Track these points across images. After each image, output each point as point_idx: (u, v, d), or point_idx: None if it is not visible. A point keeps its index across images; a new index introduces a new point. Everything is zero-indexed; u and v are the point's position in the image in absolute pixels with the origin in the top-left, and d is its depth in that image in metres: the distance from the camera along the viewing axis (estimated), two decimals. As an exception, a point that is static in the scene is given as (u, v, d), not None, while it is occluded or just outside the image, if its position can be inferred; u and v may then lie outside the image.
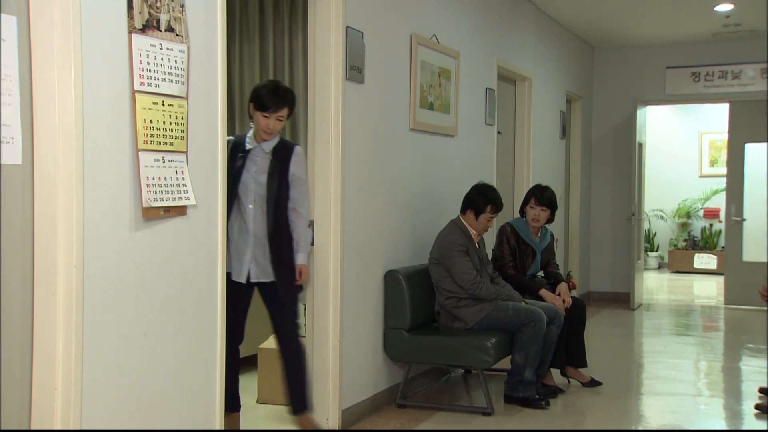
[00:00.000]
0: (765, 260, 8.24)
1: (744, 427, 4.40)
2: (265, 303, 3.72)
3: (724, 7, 6.97)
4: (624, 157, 8.69)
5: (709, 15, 7.24)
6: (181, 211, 2.91)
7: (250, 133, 3.69)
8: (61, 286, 2.45)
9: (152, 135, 2.75)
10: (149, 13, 2.74)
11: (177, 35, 2.86)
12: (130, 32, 2.67)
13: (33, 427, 2.45)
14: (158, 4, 2.78)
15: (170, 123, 2.84)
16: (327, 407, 3.91)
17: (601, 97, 8.95)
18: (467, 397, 4.83)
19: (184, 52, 2.89)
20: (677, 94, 8.68)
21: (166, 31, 2.81)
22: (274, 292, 3.66)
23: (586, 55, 8.70)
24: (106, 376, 2.60)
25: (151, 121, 2.75)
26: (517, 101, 6.64)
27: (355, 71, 4.03)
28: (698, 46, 8.47)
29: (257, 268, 3.64)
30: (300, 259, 3.67)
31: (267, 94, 3.54)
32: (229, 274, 3.42)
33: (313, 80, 3.96)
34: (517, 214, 5.44)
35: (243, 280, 3.64)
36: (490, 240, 5.16)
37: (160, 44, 2.79)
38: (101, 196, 2.57)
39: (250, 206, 3.60)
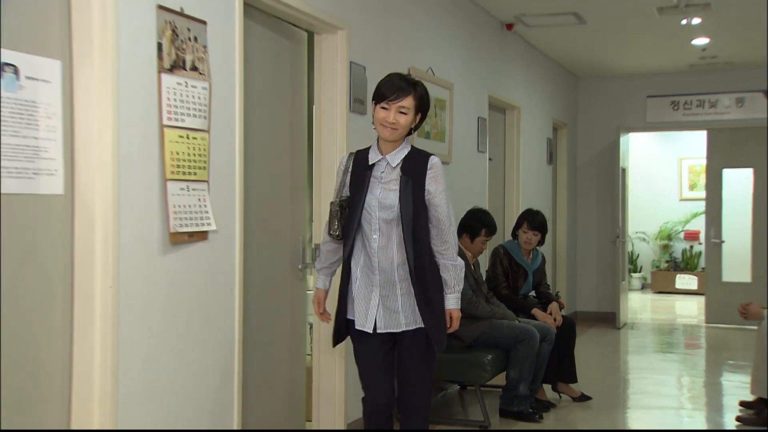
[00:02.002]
0: (743, 280, 8.57)
1: None
2: (397, 357, 3.09)
3: (701, 41, 7.32)
4: (608, 182, 9.00)
5: (687, 48, 7.59)
6: (203, 236, 3.13)
7: (374, 145, 3.09)
8: (98, 305, 2.66)
9: (178, 166, 2.98)
10: (176, 54, 2.98)
11: (200, 74, 3.11)
12: (159, 72, 2.90)
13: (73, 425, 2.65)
14: (184, 46, 3.02)
15: (194, 154, 3.07)
16: (334, 421, 4.11)
17: (585, 124, 9.28)
18: (463, 412, 5.04)
19: (206, 89, 3.13)
20: (658, 121, 9.03)
21: (190, 70, 3.05)
22: (407, 342, 3.03)
23: (571, 85, 9.03)
24: (138, 387, 2.81)
25: (177, 153, 2.98)
26: (507, 129, 6.92)
27: (358, 103, 4.28)
28: (677, 77, 8.83)
29: (386, 314, 3.00)
30: (450, 302, 3.04)
31: (386, 83, 3.01)
32: (351, 322, 3.07)
33: (319, 111, 4.20)
34: (508, 237, 5.70)
35: (369, 329, 3.00)
36: (483, 262, 5.40)
37: (186, 82, 3.02)
38: (133, 222, 2.79)
39: (375, 236, 2.97)
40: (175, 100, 2.97)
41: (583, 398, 5.17)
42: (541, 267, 5.32)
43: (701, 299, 9.82)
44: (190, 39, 3.05)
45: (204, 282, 3.15)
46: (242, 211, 3.36)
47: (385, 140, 3.02)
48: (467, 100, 5.83)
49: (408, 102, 2.96)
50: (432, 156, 3.03)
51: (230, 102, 3.29)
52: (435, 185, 2.99)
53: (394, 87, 2.97)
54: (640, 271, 12.69)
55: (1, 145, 2.41)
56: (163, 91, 2.92)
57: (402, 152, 3.02)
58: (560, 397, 5.20)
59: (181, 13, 2.99)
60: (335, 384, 4.15)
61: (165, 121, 2.92)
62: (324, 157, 4.18)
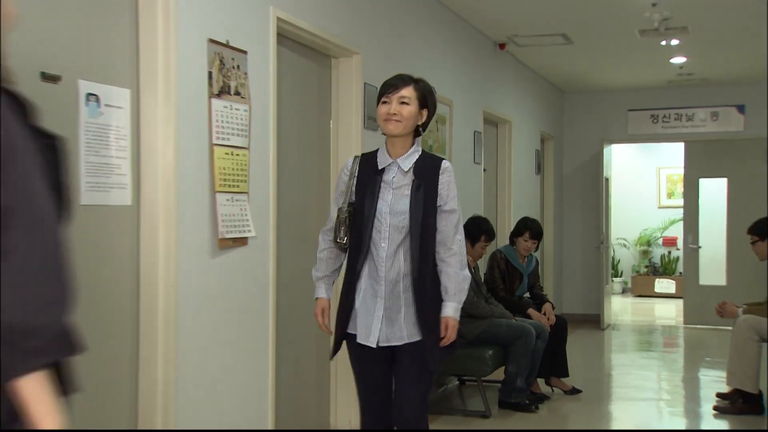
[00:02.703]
0: (719, 283, 9.07)
1: (704, 427, 5.09)
2: (393, 371, 2.90)
3: (679, 60, 7.82)
4: (592, 191, 9.48)
5: (666, 65, 8.09)
6: (244, 241, 3.53)
7: (383, 148, 2.92)
8: (161, 302, 3.05)
9: (225, 179, 3.38)
10: (223, 81, 3.38)
11: (242, 97, 3.51)
12: (209, 97, 3.30)
13: (139, 416, 3.03)
14: (229, 73, 3.42)
15: (237, 169, 3.47)
16: (350, 411, 4.50)
17: (571, 136, 9.76)
18: (463, 404, 5.46)
19: (246, 111, 3.53)
20: (638, 134, 9.53)
21: (234, 94, 3.45)
22: (406, 357, 2.84)
23: (557, 99, 9.52)
24: (192, 374, 3.20)
25: (224, 168, 3.38)
26: (499, 142, 7.37)
27: (371, 121, 4.69)
28: (656, 92, 9.34)
29: (389, 327, 2.81)
30: (448, 309, 2.82)
31: (387, 80, 2.91)
32: (351, 336, 2.89)
33: (336, 128, 4.61)
34: (500, 242, 6.14)
35: (373, 344, 2.81)
36: (482, 265, 5.83)
37: (231, 105, 3.42)
38: (190, 229, 3.18)
39: (383, 244, 2.78)
40: (222, 121, 3.37)
41: (574, 391, 5.60)
42: (535, 270, 5.75)
43: (679, 302, 10.31)
44: (233, 67, 3.45)
45: (244, 283, 3.54)
46: (275, 219, 3.76)
47: (391, 136, 2.85)
48: (465, 116, 6.27)
49: (408, 92, 2.82)
50: (444, 160, 2.90)
51: (265, 121, 3.69)
52: (447, 191, 2.83)
53: (393, 80, 2.87)
54: (621, 276, 13.18)
55: (85, 164, 2.80)
56: (213, 114, 3.31)
57: (413, 156, 2.85)
58: (552, 390, 5.63)
59: (227, 45, 3.39)
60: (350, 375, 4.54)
61: (214, 140, 3.32)
62: (333, 171, 4.59)
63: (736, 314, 5.38)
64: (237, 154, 3.46)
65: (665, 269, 12.85)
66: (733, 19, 6.35)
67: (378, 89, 4.65)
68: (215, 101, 3.32)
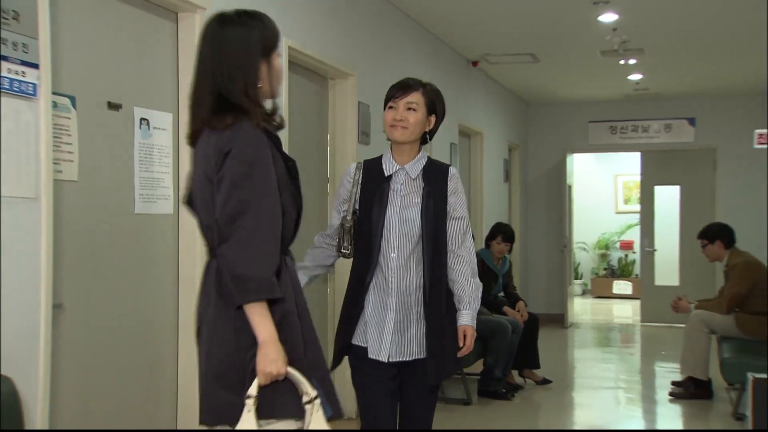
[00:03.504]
0: (673, 284, 9.75)
1: (660, 410, 5.68)
2: (401, 387, 2.75)
3: (635, 77, 8.47)
4: (555, 197, 10.09)
5: (623, 81, 8.74)
6: (262, 245, 3.98)
7: (387, 154, 2.78)
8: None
9: (249, 191, 3.83)
10: (247, 104, 3.84)
11: (261, 118, 3.96)
12: (236, 118, 3.76)
13: (179, 389, 3.47)
14: (251, 97, 3.88)
15: (257, 181, 3.92)
16: (348, 401, 4.97)
17: (536, 146, 10.37)
18: (443, 394, 5.97)
19: (265, 130, 3.99)
20: (598, 143, 10.19)
21: (255, 115, 3.91)
22: (415, 376, 2.71)
23: (523, 111, 10.12)
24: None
25: (248, 181, 3.83)
26: (472, 152, 7.92)
27: (364, 135, 5.18)
28: (615, 105, 10.00)
29: (399, 341, 2.68)
30: (465, 318, 2.70)
31: (394, 84, 2.78)
32: (355, 348, 2.73)
33: (333, 143, 5.09)
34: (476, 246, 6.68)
35: (384, 358, 2.66)
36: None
37: (253, 126, 3.88)
38: (221, 235, 3.63)
39: (393, 254, 2.66)
40: (246, 140, 3.82)
41: (545, 382, 6.15)
42: (509, 272, 6.29)
43: (636, 303, 10.98)
44: (255, 92, 3.90)
45: (263, 282, 3.99)
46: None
47: (397, 143, 2.73)
48: (442, 128, 6.72)
49: (416, 97, 2.70)
50: (451, 166, 2.81)
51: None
52: (456, 198, 2.74)
53: (399, 86, 2.75)
54: (581, 278, 13.83)
55: (138, 179, 3.24)
56: (239, 133, 3.77)
57: (420, 162, 2.75)
58: (525, 381, 6.16)
59: (249, 72, 3.85)
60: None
61: (240, 157, 3.77)
62: (337, 182, 5.06)
63: (689, 310, 5.98)
64: (257, 168, 3.92)
65: (622, 271, 13.54)
66: (684, 42, 6.99)
67: (369, 108, 5.20)
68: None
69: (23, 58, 2.47)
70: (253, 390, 2.02)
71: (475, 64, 7.64)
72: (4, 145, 2.42)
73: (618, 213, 13.79)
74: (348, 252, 2.74)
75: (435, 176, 2.74)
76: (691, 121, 9.75)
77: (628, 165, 12.90)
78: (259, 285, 1.98)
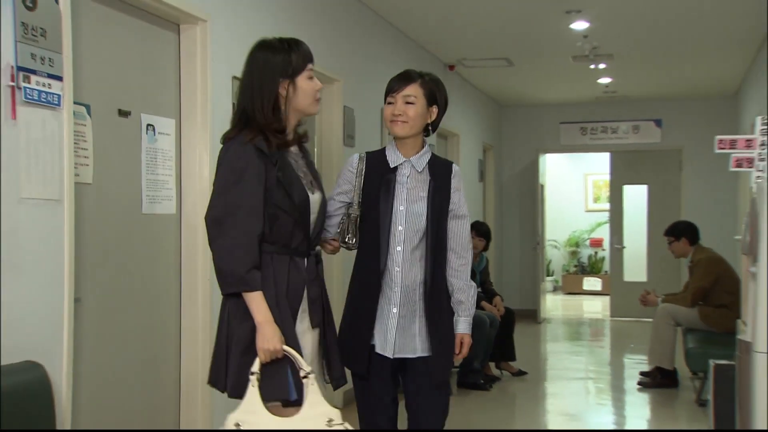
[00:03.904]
0: (641, 280, 10.12)
1: (628, 398, 6.00)
2: (404, 386, 2.74)
3: (605, 80, 8.82)
4: (528, 196, 10.41)
5: (594, 85, 9.08)
6: (257, 243, 4.20)
7: (392, 146, 2.74)
8: (200, 293, 3.71)
9: (245, 192, 4.06)
10: (243, 109, 4.06)
11: (256, 123, 4.19)
12: (234, 124, 3.98)
13: (182, 374, 3.68)
14: (247, 103, 4.10)
15: (253, 183, 4.15)
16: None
17: (509, 146, 10.68)
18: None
19: (259, 134, 4.22)
20: (569, 144, 10.53)
21: (250, 120, 4.13)
22: (419, 372, 2.67)
23: (497, 113, 10.42)
24: (223, 354, 3.86)
25: (244, 183, 4.05)
26: (449, 153, 8.18)
27: (349, 138, 5.42)
28: (585, 107, 10.34)
29: (402, 337, 2.64)
30: (464, 326, 2.72)
31: (392, 78, 2.75)
32: (357, 349, 2.68)
33: (320, 145, 5.32)
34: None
35: (390, 354, 2.64)
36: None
37: (248, 130, 4.11)
38: (220, 233, 3.85)
39: (399, 248, 2.63)
40: (242, 143, 4.04)
41: (520, 373, 6.44)
42: (485, 268, 6.57)
43: (605, 298, 11.35)
44: (250, 98, 4.13)
45: (257, 278, 4.21)
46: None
47: (398, 138, 2.69)
48: (421, 131, 7.05)
49: (413, 89, 2.66)
50: (454, 164, 2.78)
51: (272, 143, 4.37)
52: (459, 195, 2.71)
53: (397, 79, 2.72)
54: (552, 275, 14.20)
55: (145, 181, 3.45)
56: (236, 137, 3.99)
57: (425, 156, 2.71)
58: (502, 372, 6.45)
59: (245, 80, 4.07)
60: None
61: (237, 160, 4.00)
62: (326, 182, 5.29)
63: (656, 303, 6.30)
64: (252, 171, 4.15)
65: (592, 268, 13.93)
66: (651, 48, 7.33)
67: (353, 111, 5.44)
68: (238, 127, 4.00)
69: (49, 71, 2.67)
70: (255, 367, 2.32)
71: (451, 68, 7.91)
72: (33, 152, 2.63)
73: (588, 211, 14.17)
74: (353, 243, 2.68)
75: (440, 172, 2.71)
76: (658, 123, 10.13)
77: (597, 165, 13.27)
78: (234, 279, 2.33)
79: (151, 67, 3.53)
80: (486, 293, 6.51)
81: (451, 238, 2.70)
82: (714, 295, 6.00)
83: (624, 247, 10.49)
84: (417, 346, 2.65)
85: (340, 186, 2.79)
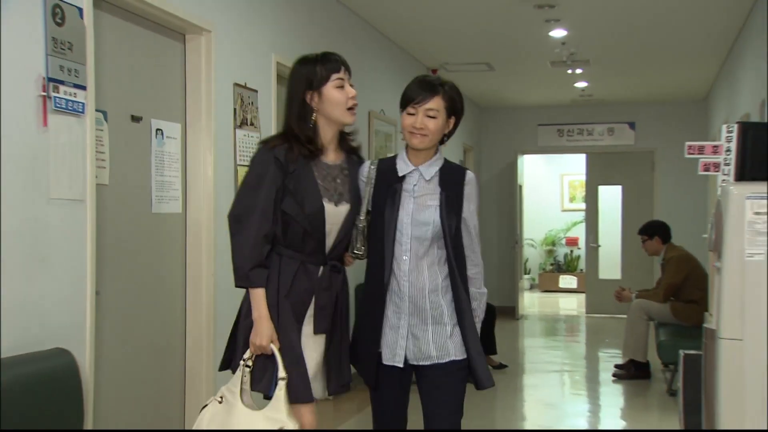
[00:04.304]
0: (615, 277, 10.46)
1: (603, 389, 6.30)
2: (422, 394, 2.70)
3: (581, 84, 9.14)
4: (507, 196, 10.71)
5: (570, 88, 9.40)
6: (255, 241, 4.43)
7: (402, 154, 2.72)
8: (204, 286, 3.94)
9: (245, 192, 4.28)
10: (243, 115, 4.29)
11: (254, 127, 4.42)
12: (235, 128, 4.21)
13: (187, 363, 3.90)
14: (246, 108, 4.34)
15: (252, 184, 4.37)
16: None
17: (488, 147, 10.98)
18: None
19: (258, 137, 4.44)
20: (547, 145, 10.85)
21: (249, 125, 4.36)
22: (439, 377, 2.64)
23: (477, 115, 10.71)
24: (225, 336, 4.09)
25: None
26: (431, 154, 8.45)
27: (339, 141, 5.66)
28: (562, 109, 10.67)
29: (415, 345, 2.64)
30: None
31: (411, 85, 2.70)
32: (373, 354, 2.67)
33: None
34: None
35: (400, 363, 2.63)
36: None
37: (248, 134, 4.33)
38: (223, 231, 4.06)
39: (405, 257, 2.62)
40: (243, 146, 4.27)
41: (501, 366, 6.73)
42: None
43: (581, 296, 11.69)
44: (249, 103, 4.36)
45: (256, 274, 4.44)
46: (276, 224, 4.68)
47: (415, 149, 2.66)
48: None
49: (436, 103, 2.62)
50: (468, 170, 2.75)
51: (268, 145, 4.61)
52: (469, 203, 2.68)
53: (419, 89, 2.66)
54: (529, 273, 14.51)
55: (154, 182, 3.67)
56: (237, 141, 4.22)
57: (436, 164, 2.68)
58: (483, 365, 6.73)
59: (245, 86, 4.30)
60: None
61: (238, 162, 4.23)
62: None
63: (630, 299, 6.61)
64: (251, 172, 4.38)
65: (568, 266, 14.26)
66: (625, 54, 7.65)
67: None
68: (238, 131, 4.23)
69: (75, 81, 2.89)
70: (247, 355, 2.58)
71: (434, 71, 8.17)
72: (61, 156, 2.84)
73: (564, 211, 14.49)
74: (361, 253, 2.68)
75: (451, 179, 2.67)
76: (632, 126, 10.47)
77: (573, 165, 13.60)
78: (241, 274, 2.56)
79: (160, 74, 3.75)
80: (468, 289, 6.79)
81: (465, 246, 2.68)
82: (685, 291, 6.31)
83: (599, 246, 10.83)
84: (433, 354, 2.62)
85: None
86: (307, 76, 2.62)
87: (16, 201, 2.66)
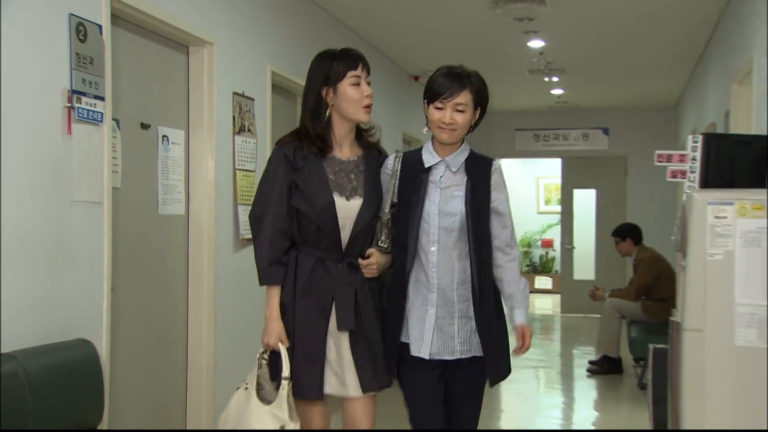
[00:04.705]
0: (589, 278, 10.81)
1: (577, 383, 6.62)
2: (445, 388, 2.70)
3: (557, 91, 9.49)
4: (484, 199, 11.00)
5: (547, 95, 9.74)
6: (251, 241, 4.66)
7: (428, 146, 2.72)
8: (205, 283, 4.17)
9: (243, 195, 4.53)
10: (241, 122, 4.54)
11: (251, 133, 4.67)
12: (234, 135, 4.45)
13: (189, 355, 4.14)
14: (244, 116, 4.58)
15: (249, 187, 4.62)
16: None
17: (466, 151, 11.25)
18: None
19: (254, 143, 4.69)
20: (523, 150, 11.19)
21: (247, 131, 4.61)
22: (462, 373, 2.67)
23: (455, 119, 11.00)
24: (225, 332, 4.33)
25: (242, 187, 4.53)
26: (413, 158, 8.72)
27: (328, 146, 5.91)
28: (538, 115, 11.01)
29: (440, 339, 2.62)
30: (520, 317, 2.70)
31: (438, 78, 2.69)
32: (403, 345, 2.67)
33: (302, 152, 5.80)
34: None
35: (426, 355, 2.62)
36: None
37: (246, 140, 4.58)
38: (223, 231, 4.32)
39: (433, 248, 2.60)
40: (241, 152, 4.52)
41: (480, 361, 7.01)
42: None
43: (556, 296, 12.03)
44: (247, 111, 4.61)
45: (251, 270, 4.67)
46: (271, 225, 4.93)
47: (443, 143, 2.66)
48: (389, 137, 7.59)
49: (464, 97, 2.61)
50: (494, 160, 2.73)
51: (263, 149, 4.85)
52: (498, 192, 2.66)
53: (447, 83, 2.63)
54: (505, 274, 14.81)
55: (161, 186, 3.91)
56: (236, 147, 4.46)
57: (462, 155, 2.67)
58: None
59: (242, 95, 4.54)
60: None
61: (237, 166, 4.47)
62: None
63: (603, 298, 6.94)
64: (249, 176, 4.62)
65: (544, 268, 14.61)
66: (599, 63, 8.00)
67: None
68: (237, 137, 4.47)
69: (95, 92, 3.12)
70: (259, 350, 2.71)
71: (416, 78, 8.46)
72: (82, 162, 3.08)
73: (540, 213, 14.82)
74: (386, 246, 2.65)
75: (478, 169, 2.65)
76: (605, 131, 10.84)
77: (548, 169, 13.95)
78: (259, 273, 2.67)
79: (166, 84, 3.98)
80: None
81: (496, 236, 2.67)
82: (655, 290, 6.64)
83: (574, 248, 11.17)
84: (457, 348, 2.61)
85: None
86: (324, 71, 2.63)
87: (43, 203, 2.89)
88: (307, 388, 2.61)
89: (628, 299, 6.71)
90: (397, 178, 2.68)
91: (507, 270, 2.68)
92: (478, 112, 2.69)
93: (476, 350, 2.63)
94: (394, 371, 2.71)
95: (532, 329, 2.74)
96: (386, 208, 2.66)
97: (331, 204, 2.61)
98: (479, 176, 2.64)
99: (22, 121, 2.78)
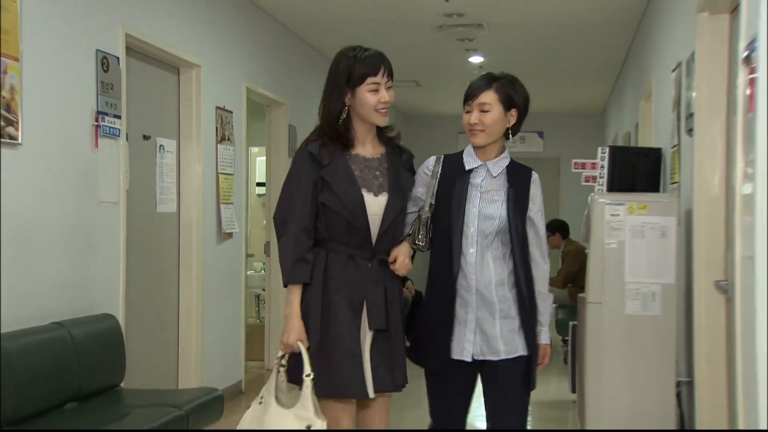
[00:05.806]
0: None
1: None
2: (485, 390, 2.65)
3: (497, 99, 10.37)
4: (430, 197, 11.83)
5: (488, 102, 10.61)
6: (230, 235, 5.39)
7: (470, 149, 2.71)
8: (194, 270, 4.88)
9: (224, 195, 5.24)
10: (222, 132, 5.25)
11: (230, 142, 5.38)
12: (216, 143, 5.16)
13: (180, 337, 4.84)
14: (224, 126, 5.29)
15: (229, 188, 5.34)
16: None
17: (414, 152, 11.90)
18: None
19: (233, 150, 5.40)
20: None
21: (226, 140, 5.32)
22: (501, 374, 2.60)
23: (402, 123, 11.82)
24: (212, 315, 5.05)
25: (224, 188, 5.24)
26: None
27: (292, 151, 6.64)
28: (480, 119, 11.86)
29: (483, 340, 2.59)
30: (545, 337, 2.68)
31: (473, 83, 2.69)
32: (435, 350, 2.60)
33: (269, 156, 6.52)
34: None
35: (468, 358, 2.58)
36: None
37: (226, 148, 5.29)
38: (210, 227, 5.03)
39: (471, 250, 2.60)
40: (222, 158, 5.23)
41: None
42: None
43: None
44: (227, 122, 5.32)
45: (231, 262, 5.41)
46: (246, 220, 5.65)
47: (477, 147, 2.66)
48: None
49: (488, 97, 2.60)
50: (533, 171, 2.74)
51: (240, 155, 5.57)
52: (534, 203, 2.67)
53: (474, 84, 2.66)
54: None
55: (159, 188, 4.60)
56: (219, 154, 5.17)
57: (503, 161, 2.67)
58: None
59: (223, 109, 5.25)
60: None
61: (219, 170, 5.18)
62: (273, 186, 6.53)
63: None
64: (228, 179, 5.34)
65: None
66: (535, 73, 8.84)
67: (296, 129, 6.64)
68: (220, 146, 5.19)
69: (114, 112, 3.82)
70: (279, 353, 2.53)
71: (368, 87, 9.22)
72: (105, 169, 3.77)
73: (481, 210, 15.73)
74: (422, 245, 2.63)
75: (518, 178, 2.67)
76: (541, 135, 11.77)
77: (490, 168, 14.78)
78: (283, 272, 2.49)
79: (162, 101, 4.68)
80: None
81: (531, 246, 2.67)
82: (580, 278, 7.49)
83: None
84: (501, 348, 2.56)
85: (415, 187, 2.75)
86: (345, 72, 2.56)
87: (75, 203, 3.58)
88: (353, 385, 2.47)
89: (557, 287, 7.58)
90: (438, 179, 2.70)
91: (540, 283, 2.67)
92: (512, 114, 2.65)
93: (521, 349, 2.58)
94: (440, 369, 2.62)
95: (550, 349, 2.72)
96: (426, 207, 2.67)
97: (361, 199, 2.52)
98: (520, 184, 2.66)
99: (61, 136, 3.47)
